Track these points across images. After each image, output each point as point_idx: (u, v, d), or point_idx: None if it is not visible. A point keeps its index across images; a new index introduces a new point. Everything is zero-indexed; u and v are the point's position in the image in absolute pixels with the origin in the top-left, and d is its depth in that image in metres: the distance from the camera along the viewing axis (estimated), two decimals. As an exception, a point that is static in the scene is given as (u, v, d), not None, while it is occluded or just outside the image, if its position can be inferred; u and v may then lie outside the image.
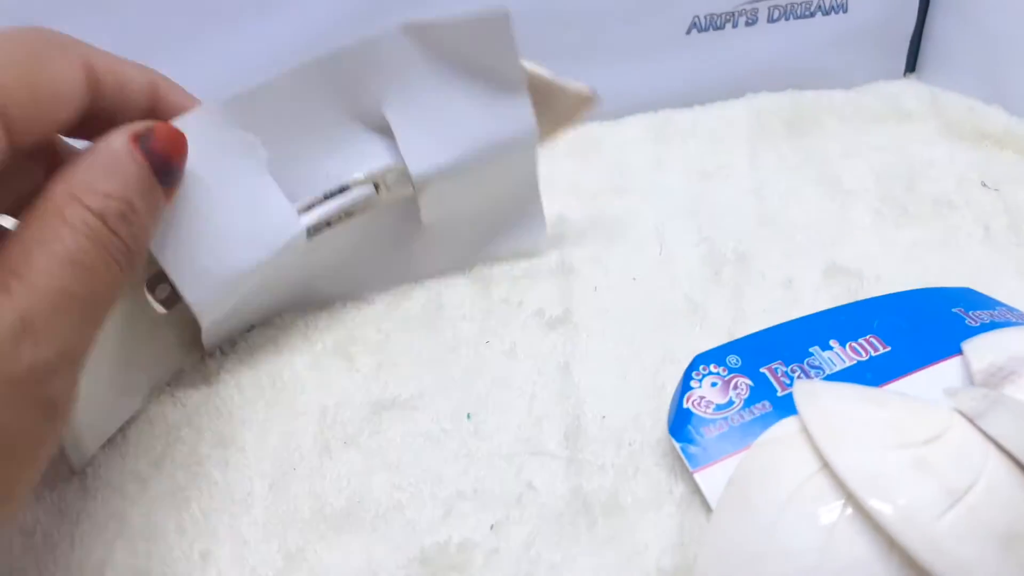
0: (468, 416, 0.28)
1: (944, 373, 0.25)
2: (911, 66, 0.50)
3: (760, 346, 0.27)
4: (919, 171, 0.39)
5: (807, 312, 0.31)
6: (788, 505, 0.21)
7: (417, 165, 0.29)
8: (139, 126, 0.23)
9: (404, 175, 0.29)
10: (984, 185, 0.38)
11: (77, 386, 0.21)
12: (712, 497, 0.24)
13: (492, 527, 0.24)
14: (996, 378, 0.23)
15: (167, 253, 0.25)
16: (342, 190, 0.29)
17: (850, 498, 0.20)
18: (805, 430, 0.22)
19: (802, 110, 0.44)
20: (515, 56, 0.29)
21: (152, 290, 0.26)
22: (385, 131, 0.29)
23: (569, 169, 0.41)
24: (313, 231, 0.28)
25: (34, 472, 0.20)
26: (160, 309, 0.27)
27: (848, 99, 0.45)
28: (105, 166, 0.21)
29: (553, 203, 0.39)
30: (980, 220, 0.36)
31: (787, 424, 0.23)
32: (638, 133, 0.44)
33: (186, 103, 0.25)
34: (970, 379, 0.24)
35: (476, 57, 0.29)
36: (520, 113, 0.30)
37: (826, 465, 0.21)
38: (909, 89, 0.45)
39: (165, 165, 0.23)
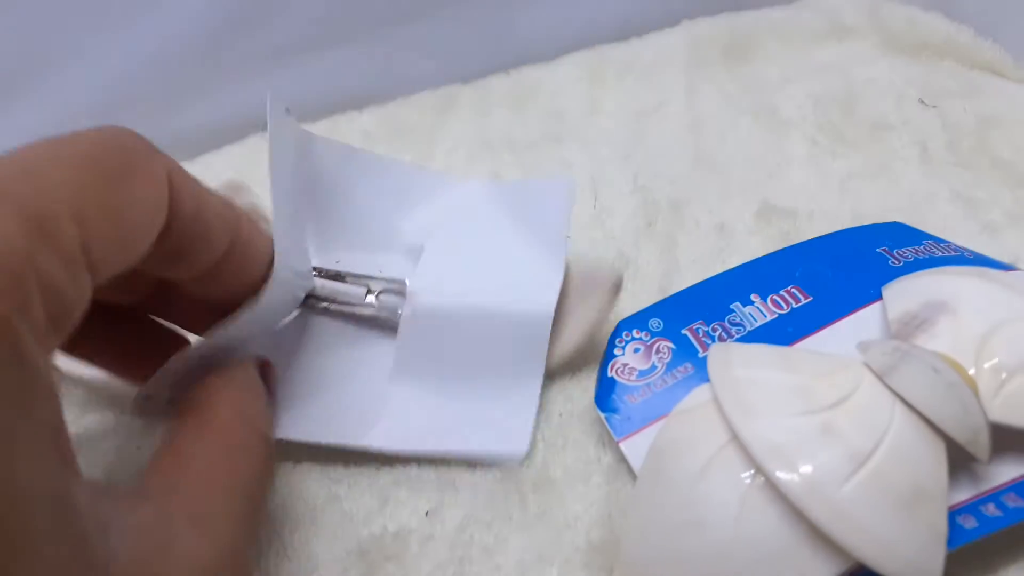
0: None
1: (865, 321, 0.25)
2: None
3: (682, 307, 0.27)
4: (858, 92, 0.39)
5: (741, 258, 0.31)
6: (702, 477, 0.21)
7: (417, 282, 0.27)
8: (263, 359, 0.25)
9: (399, 291, 0.27)
10: (922, 102, 0.37)
11: None
12: (637, 465, 0.24)
13: (427, 513, 0.25)
14: (910, 327, 0.23)
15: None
16: (337, 276, 0.28)
17: (760, 468, 0.20)
18: (716, 399, 0.22)
19: (740, 34, 0.43)
20: (563, 227, 0.28)
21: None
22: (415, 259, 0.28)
23: (503, 120, 0.40)
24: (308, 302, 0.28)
25: None
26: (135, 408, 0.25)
27: (787, 17, 0.44)
28: (252, 389, 0.23)
29: (487, 160, 0.38)
30: (917, 141, 0.36)
31: (701, 393, 0.23)
32: (573, 74, 0.43)
33: (265, 253, 0.23)
34: (887, 327, 0.24)
35: (528, 218, 0.29)
36: (544, 292, 0.26)
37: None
38: (848, 1, 0.44)
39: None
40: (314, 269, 0.27)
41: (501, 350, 0.26)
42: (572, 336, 0.27)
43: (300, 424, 0.26)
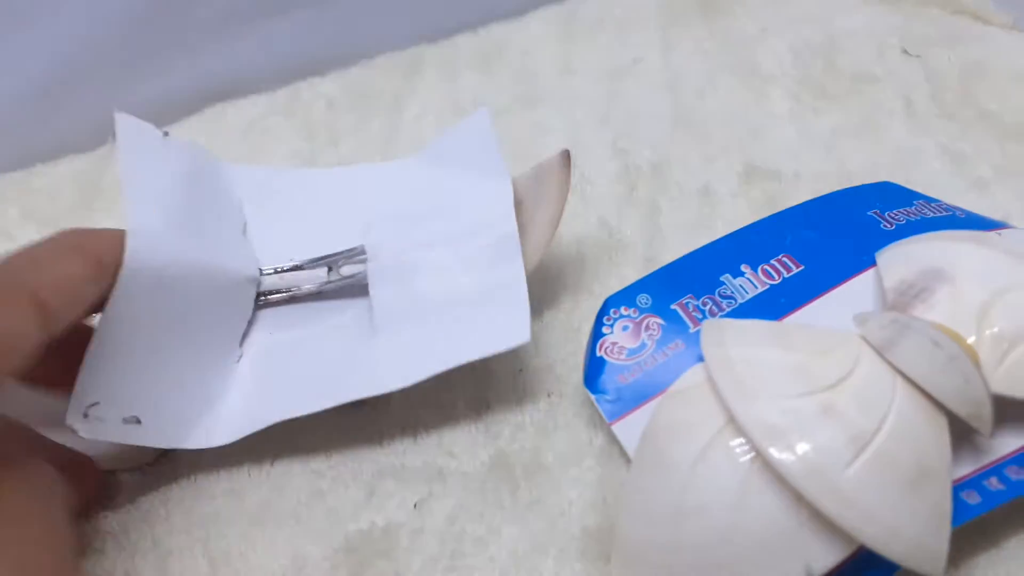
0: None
1: (859, 289, 0.25)
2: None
3: (670, 280, 0.26)
4: (839, 44, 0.37)
5: (726, 223, 0.30)
6: (700, 461, 0.21)
7: (376, 239, 0.27)
8: None
9: (359, 254, 0.27)
10: (905, 52, 0.36)
11: None
12: (630, 447, 0.23)
13: (416, 505, 0.24)
14: (907, 297, 0.23)
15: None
16: (294, 268, 0.28)
17: (759, 452, 0.20)
18: (712, 381, 0.21)
19: (716, -15, 0.42)
20: (493, 147, 0.28)
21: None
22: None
23: (473, 83, 0.39)
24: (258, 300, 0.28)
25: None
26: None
27: (764, -35, 0.42)
28: None
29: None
30: (901, 93, 0.35)
31: (695, 373, 0.22)
32: (543, 30, 0.41)
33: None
34: (883, 296, 0.24)
35: (456, 158, 0.29)
36: (499, 195, 0.26)
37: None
38: (828, -54, 0.42)
39: None
40: (272, 269, 0.28)
41: (475, 266, 0.26)
42: (544, 226, 0.26)
43: (303, 399, 0.24)
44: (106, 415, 0.22)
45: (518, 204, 0.27)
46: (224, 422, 0.25)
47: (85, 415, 0.22)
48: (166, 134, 0.26)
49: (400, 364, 0.24)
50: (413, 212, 0.28)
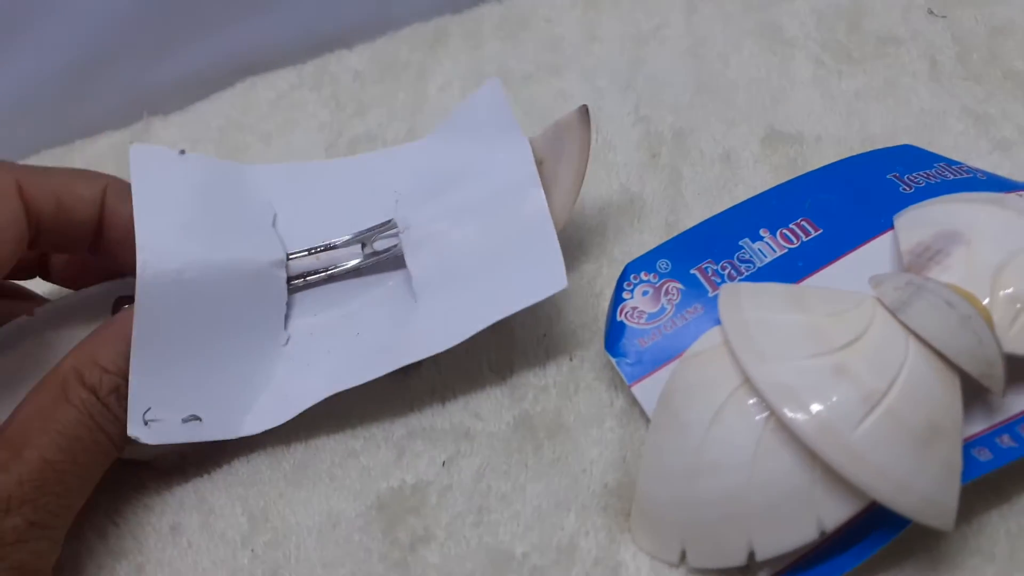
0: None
1: (877, 252, 0.25)
2: None
3: (690, 245, 0.26)
4: (864, 5, 0.37)
5: (747, 188, 0.31)
6: (716, 421, 0.21)
7: (405, 212, 0.28)
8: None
9: (391, 228, 0.28)
10: (931, 12, 0.36)
11: (55, 554, 0.21)
12: (649, 408, 0.24)
13: (444, 464, 0.25)
14: (923, 259, 0.23)
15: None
16: (328, 248, 0.28)
17: (773, 411, 0.20)
18: (728, 342, 0.22)
19: (739, -53, 0.41)
20: (507, 113, 0.28)
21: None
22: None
23: (497, 51, 0.39)
24: (292, 284, 0.28)
25: None
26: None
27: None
28: (109, 340, 0.23)
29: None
30: (926, 55, 0.34)
31: (712, 336, 0.23)
32: (568, -1, 0.41)
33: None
34: (900, 259, 0.24)
35: (472, 129, 0.29)
36: (518, 155, 0.27)
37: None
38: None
39: None
40: (305, 251, 0.28)
41: (506, 225, 0.26)
42: (569, 182, 0.27)
43: (352, 371, 0.26)
44: (165, 418, 0.23)
45: (539, 163, 0.27)
46: (280, 403, 0.26)
47: (145, 423, 0.23)
48: (182, 152, 0.27)
49: (444, 325, 0.25)
50: (438, 184, 0.28)
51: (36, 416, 0.21)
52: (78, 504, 0.22)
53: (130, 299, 0.24)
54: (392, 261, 0.28)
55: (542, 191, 0.26)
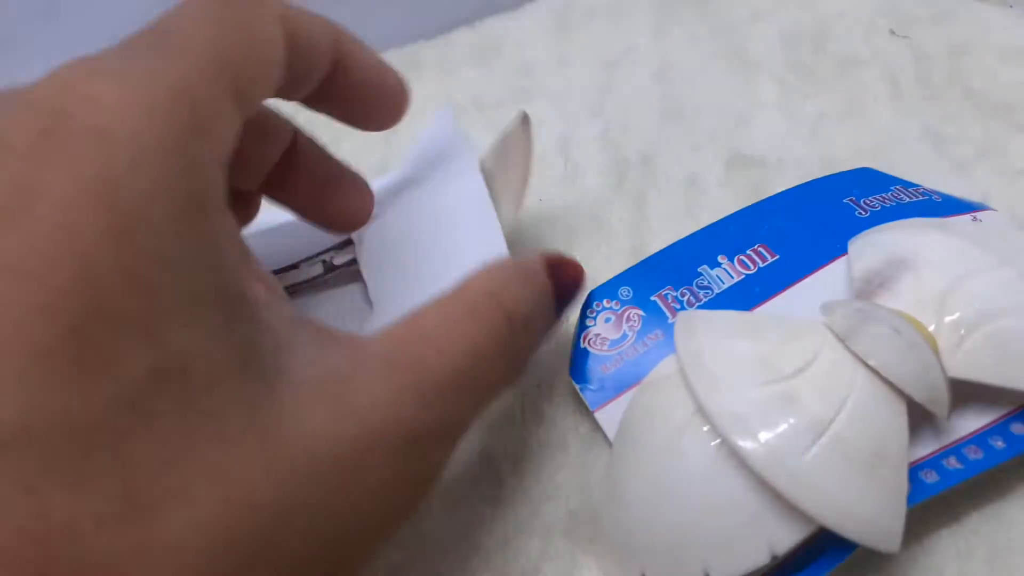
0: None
1: (831, 277, 0.26)
2: None
3: (651, 272, 0.27)
4: (828, 27, 0.38)
5: (711, 212, 0.31)
6: (671, 447, 0.22)
7: (360, 230, 0.29)
8: (554, 255, 0.23)
9: (347, 243, 0.29)
10: (893, 33, 0.37)
11: (444, 467, 0.20)
12: (612, 434, 0.24)
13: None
14: (872, 285, 0.24)
15: None
16: (292, 267, 0.29)
17: (724, 439, 0.21)
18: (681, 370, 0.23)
19: (708, -30, 0.42)
20: (458, 137, 0.29)
21: None
22: None
23: (470, 79, 0.40)
24: None
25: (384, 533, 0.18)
26: None
27: (756, -52, 0.43)
28: (523, 278, 0.22)
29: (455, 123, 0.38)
30: (888, 75, 0.35)
31: (669, 363, 0.23)
32: (539, 23, 0.42)
33: (370, 63, 0.24)
34: (851, 284, 0.25)
35: (428, 157, 0.30)
36: (465, 163, 0.28)
37: (702, 406, 0.22)
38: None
39: (565, 296, 0.24)
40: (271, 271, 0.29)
41: (450, 224, 0.27)
42: (515, 185, 0.28)
43: None
44: None
45: (489, 174, 0.28)
46: None
47: None
48: None
49: None
50: (396, 209, 0.29)
51: (446, 324, 0.20)
52: (469, 423, 0.20)
53: None
54: (351, 275, 0.29)
55: (480, 176, 0.27)
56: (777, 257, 0.26)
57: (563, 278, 0.23)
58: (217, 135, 0.17)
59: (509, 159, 0.28)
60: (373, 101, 0.24)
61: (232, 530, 0.14)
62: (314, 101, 0.24)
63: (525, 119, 0.28)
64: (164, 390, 0.14)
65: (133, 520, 0.13)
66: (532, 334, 0.22)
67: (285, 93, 0.22)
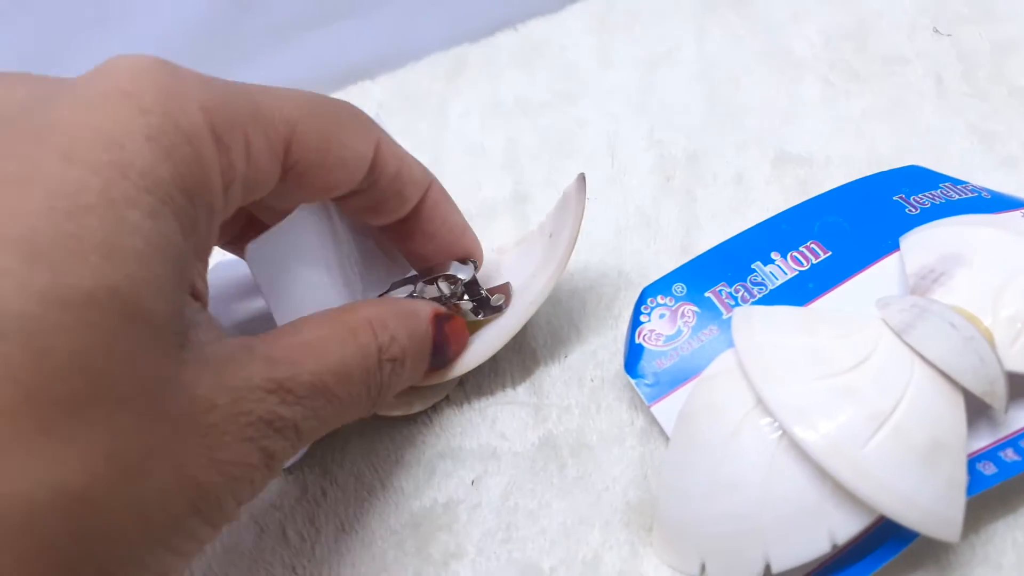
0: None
1: (884, 273, 0.26)
2: None
3: (704, 269, 0.28)
4: (870, 25, 0.38)
5: (759, 210, 0.32)
6: (731, 440, 0.22)
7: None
8: (442, 310, 0.26)
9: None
10: (936, 31, 0.37)
11: (291, 458, 0.22)
12: (668, 427, 0.25)
13: (473, 482, 0.26)
14: (927, 281, 0.24)
15: None
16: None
17: (785, 431, 0.21)
18: (741, 365, 0.23)
19: (747, -29, 0.42)
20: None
21: None
22: None
23: (514, 80, 0.40)
24: None
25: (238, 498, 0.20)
26: None
27: (795, -52, 0.43)
28: (404, 319, 0.24)
29: (501, 125, 0.39)
30: (932, 73, 0.35)
31: (726, 358, 0.24)
32: (581, 25, 0.43)
33: (449, 218, 0.27)
34: (905, 280, 0.25)
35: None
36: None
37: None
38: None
39: (442, 350, 0.26)
40: None
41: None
42: (565, 245, 0.27)
43: None
44: None
45: (552, 237, 0.29)
46: None
47: None
48: None
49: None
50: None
51: (321, 339, 0.22)
52: (316, 436, 0.22)
53: (404, 282, 0.28)
54: None
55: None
56: (830, 254, 0.27)
57: (446, 334, 0.26)
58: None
59: (568, 214, 0.28)
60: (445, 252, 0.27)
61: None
62: (399, 237, 0.27)
63: (581, 179, 0.28)
64: None
65: None
66: (399, 372, 0.24)
67: (362, 213, 0.25)
